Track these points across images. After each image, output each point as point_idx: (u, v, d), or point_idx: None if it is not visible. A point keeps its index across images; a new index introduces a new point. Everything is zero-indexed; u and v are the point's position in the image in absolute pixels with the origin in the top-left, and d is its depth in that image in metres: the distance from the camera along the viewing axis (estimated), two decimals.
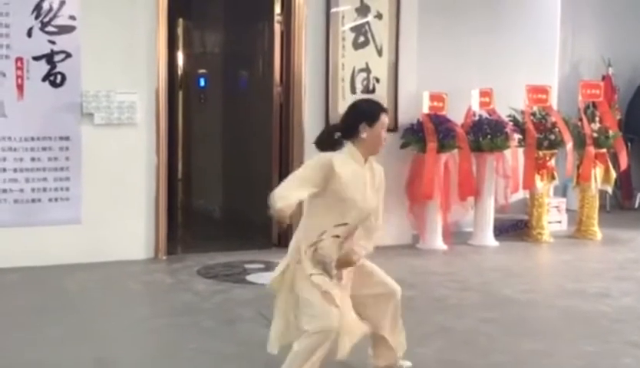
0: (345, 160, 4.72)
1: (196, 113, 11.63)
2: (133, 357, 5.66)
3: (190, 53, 11.31)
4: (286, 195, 4.57)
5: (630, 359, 5.63)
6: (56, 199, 8.14)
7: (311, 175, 4.69)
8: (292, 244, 4.88)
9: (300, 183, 4.68)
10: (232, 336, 6.04)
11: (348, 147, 4.77)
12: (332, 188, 4.66)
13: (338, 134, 4.84)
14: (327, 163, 4.67)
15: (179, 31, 10.60)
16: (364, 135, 4.74)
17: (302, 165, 4.89)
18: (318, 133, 5.01)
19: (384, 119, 4.82)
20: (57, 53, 8.03)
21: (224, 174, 11.28)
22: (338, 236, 4.74)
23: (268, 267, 8.28)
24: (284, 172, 9.13)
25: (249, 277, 7.85)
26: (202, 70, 11.71)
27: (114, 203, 8.29)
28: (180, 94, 11.17)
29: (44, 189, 8.10)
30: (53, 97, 8.05)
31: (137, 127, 8.34)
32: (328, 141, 4.86)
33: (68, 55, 8.06)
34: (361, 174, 4.77)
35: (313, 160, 4.77)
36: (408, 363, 5.21)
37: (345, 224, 4.74)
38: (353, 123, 4.78)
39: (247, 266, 8.28)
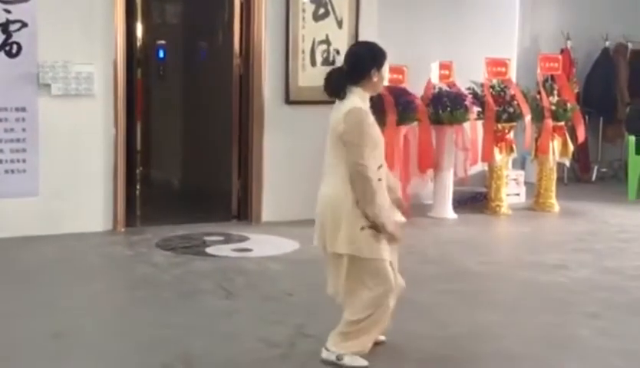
0: (364, 106, 4.86)
1: (155, 84, 11.52)
2: (92, 330, 5.62)
3: (149, 24, 11.18)
4: (379, 205, 4.74)
5: (586, 330, 5.70)
6: (12, 171, 8.04)
7: (368, 141, 4.77)
8: (330, 201, 4.83)
9: (369, 161, 4.74)
10: (191, 308, 6.03)
11: (358, 92, 4.87)
12: (371, 138, 4.80)
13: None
14: (366, 119, 4.79)
15: (138, 1, 10.45)
16: (375, 79, 4.90)
17: (353, 137, 4.72)
18: (325, 80, 4.98)
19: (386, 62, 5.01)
20: (13, 22, 7.91)
21: (183, 146, 11.21)
22: (380, 179, 4.85)
23: (228, 239, 8.29)
24: (243, 144, 9.12)
25: (209, 250, 7.83)
26: (161, 42, 11.59)
27: (72, 175, 8.21)
28: (139, 65, 11.05)
29: (0, 161, 8.00)
30: (8, 68, 7.93)
31: (95, 98, 8.25)
32: (341, 87, 4.89)
33: (24, 25, 7.94)
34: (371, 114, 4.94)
35: (358, 126, 4.75)
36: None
37: (381, 165, 4.89)
38: (365, 69, 4.88)
39: (206, 238, 8.26)
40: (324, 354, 4.97)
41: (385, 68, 5.00)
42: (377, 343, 5.16)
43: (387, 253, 4.87)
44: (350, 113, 4.75)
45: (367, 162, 4.72)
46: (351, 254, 4.80)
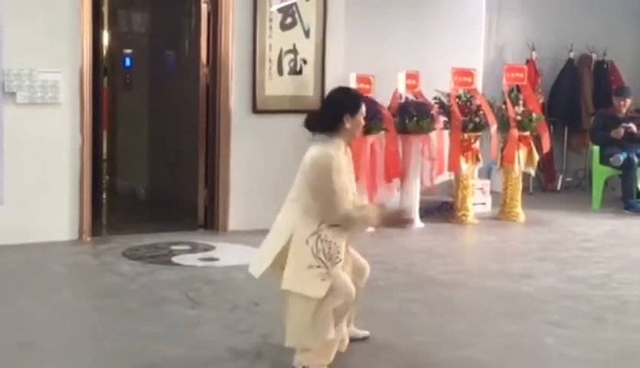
0: (336, 152, 4.88)
1: (122, 93, 11.49)
2: (57, 340, 5.59)
3: (116, 32, 11.16)
4: (362, 217, 5.01)
5: (551, 338, 5.75)
6: None
7: (342, 181, 4.83)
8: (282, 227, 4.91)
9: (345, 198, 4.84)
10: (158, 318, 6.01)
11: (333, 139, 4.91)
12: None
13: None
14: (336, 163, 4.81)
15: (105, 9, 10.43)
16: (348, 125, 4.93)
17: (328, 181, 4.77)
18: (305, 120, 5.06)
19: (364, 108, 5.07)
20: None
21: (150, 155, 11.17)
22: (337, 225, 4.84)
23: (195, 248, 8.27)
24: (210, 153, 9.11)
25: (175, 259, 7.81)
26: (127, 50, 11.56)
27: (37, 184, 8.16)
28: (105, 74, 11.01)
29: None
30: None
31: (61, 107, 8.22)
32: (316, 129, 4.99)
33: None
34: (346, 162, 4.99)
35: (329, 168, 4.79)
36: (366, 332, 5.52)
37: None
38: (336, 116, 4.93)
39: (173, 247, 8.23)
40: (295, 361, 4.99)
41: (361, 113, 5.03)
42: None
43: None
44: (317, 160, 4.83)
45: (345, 204, 4.83)
46: (296, 292, 4.81)
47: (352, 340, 5.40)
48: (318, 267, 4.77)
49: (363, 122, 5.10)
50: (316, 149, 4.86)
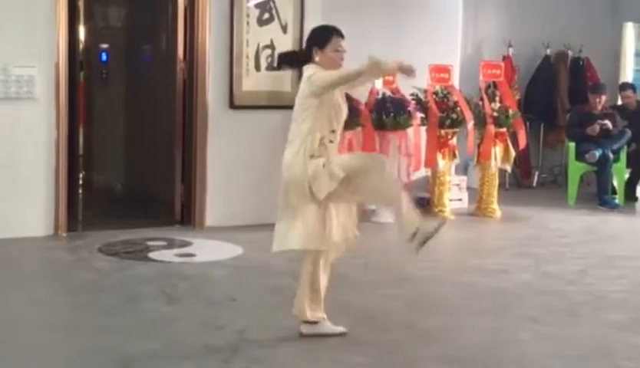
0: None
1: (98, 87, 11.42)
2: (32, 336, 5.55)
3: (92, 27, 11.08)
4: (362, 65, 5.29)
5: (527, 334, 5.77)
6: None
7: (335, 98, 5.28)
8: (292, 156, 5.18)
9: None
10: (134, 314, 5.99)
11: (313, 66, 5.29)
12: (326, 98, 5.19)
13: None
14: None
15: (80, 3, 10.35)
16: (317, 58, 5.31)
17: (319, 78, 5.17)
18: (285, 53, 5.75)
19: (336, 42, 5.37)
20: None
21: (127, 150, 11.12)
22: (332, 141, 5.26)
23: (171, 244, 8.25)
24: (187, 148, 9.08)
25: (152, 255, 7.78)
26: (104, 45, 11.50)
27: (12, 179, 8.11)
28: (81, 69, 10.93)
29: None
30: None
31: (37, 102, 8.16)
32: (294, 60, 5.63)
33: None
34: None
35: (322, 74, 5.21)
36: (343, 329, 5.56)
37: (334, 131, 5.27)
38: (308, 48, 5.39)
39: (149, 243, 8.20)
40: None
41: (331, 47, 5.32)
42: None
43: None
44: (315, 74, 5.20)
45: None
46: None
47: (329, 336, 5.42)
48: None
49: (335, 56, 5.33)
50: (309, 71, 5.24)
